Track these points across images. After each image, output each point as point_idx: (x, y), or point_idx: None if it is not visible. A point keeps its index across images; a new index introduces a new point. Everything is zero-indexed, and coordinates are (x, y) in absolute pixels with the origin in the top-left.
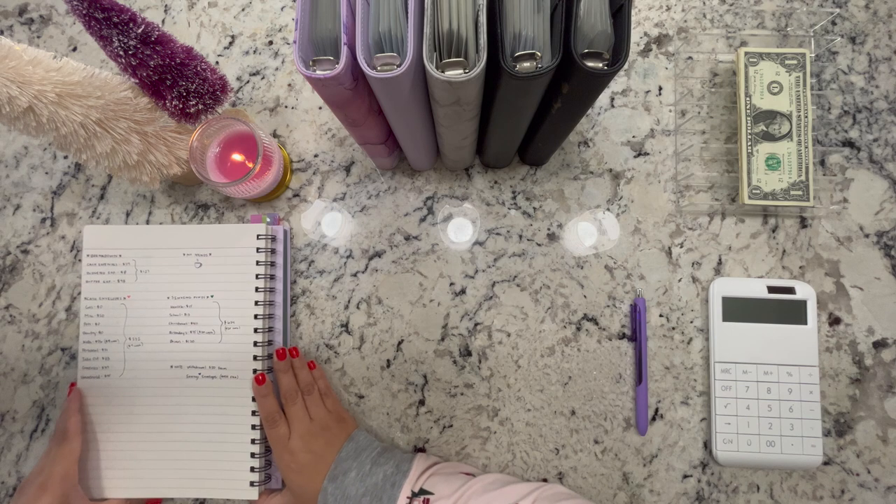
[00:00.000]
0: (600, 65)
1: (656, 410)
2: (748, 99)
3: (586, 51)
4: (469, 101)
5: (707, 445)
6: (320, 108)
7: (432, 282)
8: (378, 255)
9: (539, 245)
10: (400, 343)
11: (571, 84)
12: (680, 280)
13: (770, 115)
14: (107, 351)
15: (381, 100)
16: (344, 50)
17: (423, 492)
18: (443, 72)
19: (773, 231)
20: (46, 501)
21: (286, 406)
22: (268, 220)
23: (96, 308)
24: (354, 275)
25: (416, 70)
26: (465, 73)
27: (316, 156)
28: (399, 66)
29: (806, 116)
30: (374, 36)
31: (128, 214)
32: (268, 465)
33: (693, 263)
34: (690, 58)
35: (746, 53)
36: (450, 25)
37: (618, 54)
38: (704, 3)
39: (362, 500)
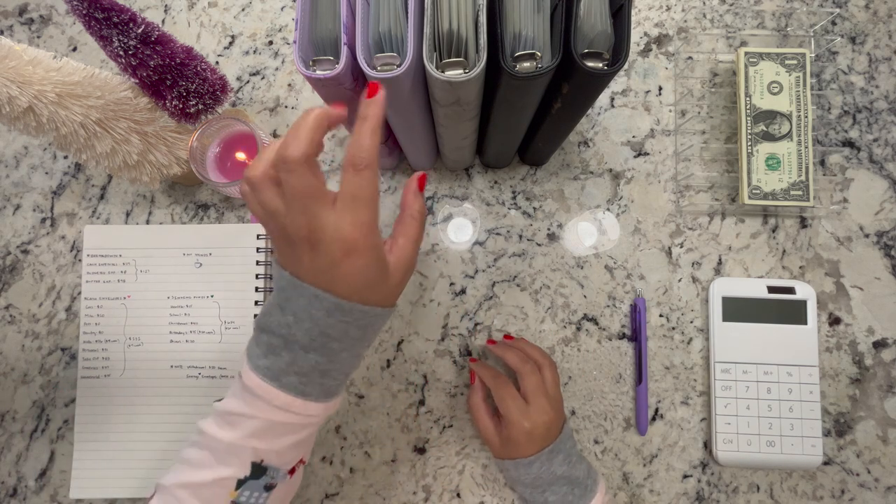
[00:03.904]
0: (600, 65)
1: (656, 410)
2: (748, 99)
3: (586, 51)
4: (469, 101)
5: (707, 445)
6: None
7: (432, 282)
8: None
9: (539, 245)
10: (400, 343)
11: (571, 84)
12: (680, 280)
13: (770, 115)
14: (107, 351)
15: None
16: (344, 50)
17: None
18: (443, 72)
19: (773, 231)
20: (359, 265)
21: (540, 368)
22: None
23: (96, 308)
24: None
25: (416, 70)
26: (465, 73)
27: None
28: (399, 66)
29: (806, 116)
30: (374, 36)
31: (128, 214)
32: None
33: (693, 263)
34: (690, 58)
35: (746, 53)
36: (450, 25)
37: (618, 54)
38: (704, 3)
39: (559, 480)
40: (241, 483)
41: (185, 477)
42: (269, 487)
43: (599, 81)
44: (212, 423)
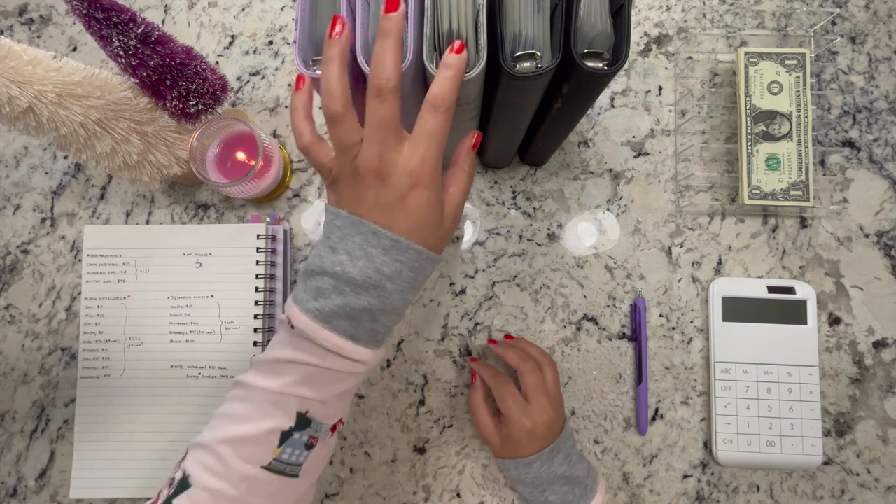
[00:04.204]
0: (600, 65)
1: (656, 410)
2: (748, 99)
3: (586, 51)
4: (469, 101)
5: (707, 445)
6: (320, 108)
7: (432, 282)
8: None
9: (539, 245)
10: (400, 343)
11: (571, 84)
12: (680, 280)
13: (770, 115)
14: (107, 351)
15: None
16: None
17: None
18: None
19: (773, 231)
20: (423, 199)
21: (540, 367)
22: (268, 220)
23: (96, 308)
24: None
25: (416, 70)
26: (466, 73)
27: None
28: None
29: (806, 116)
30: (374, 36)
31: (128, 214)
32: None
33: (693, 263)
34: (690, 58)
35: (746, 53)
36: (450, 25)
37: (618, 54)
38: (704, 3)
39: (559, 480)
40: (284, 437)
41: (226, 431)
42: (309, 446)
43: (599, 81)
44: (254, 375)
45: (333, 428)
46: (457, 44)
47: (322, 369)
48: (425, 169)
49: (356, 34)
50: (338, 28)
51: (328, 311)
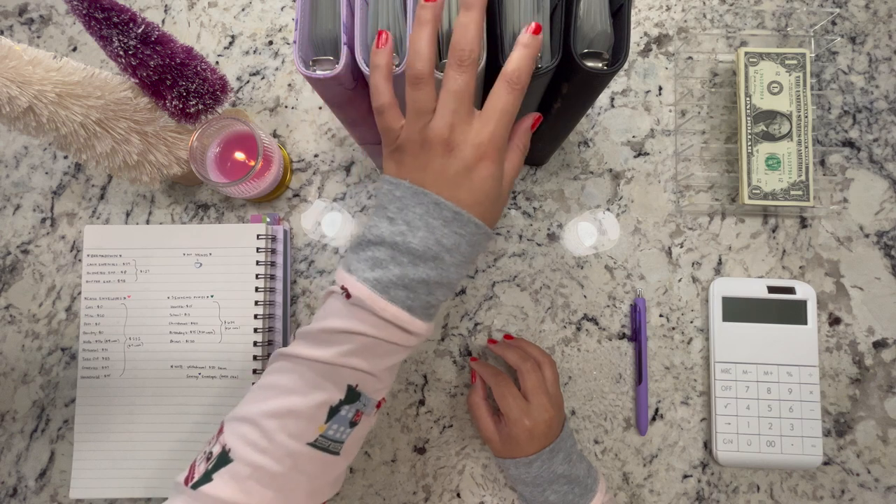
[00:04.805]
0: (600, 65)
1: (656, 410)
2: (748, 99)
3: (586, 51)
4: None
5: (707, 445)
6: (320, 108)
7: None
8: None
9: (539, 245)
10: None
11: (571, 84)
12: (680, 280)
13: (770, 115)
14: (107, 351)
15: None
16: (344, 50)
17: None
18: (442, 72)
19: (773, 231)
20: (487, 173)
21: (540, 366)
22: (268, 220)
23: (96, 308)
24: None
25: None
26: None
27: (316, 156)
28: (398, 65)
29: (806, 116)
30: (373, 35)
31: (128, 214)
32: None
33: (693, 263)
34: (690, 58)
35: (746, 53)
36: (450, 25)
37: (617, 54)
38: (704, 3)
39: (559, 479)
40: (332, 412)
41: (271, 404)
42: (353, 423)
43: (599, 81)
44: (302, 345)
45: (378, 404)
46: (533, 25)
47: (377, 340)
48: (493, 144)
49: (355, 34)
50: None
51: (386, 280)
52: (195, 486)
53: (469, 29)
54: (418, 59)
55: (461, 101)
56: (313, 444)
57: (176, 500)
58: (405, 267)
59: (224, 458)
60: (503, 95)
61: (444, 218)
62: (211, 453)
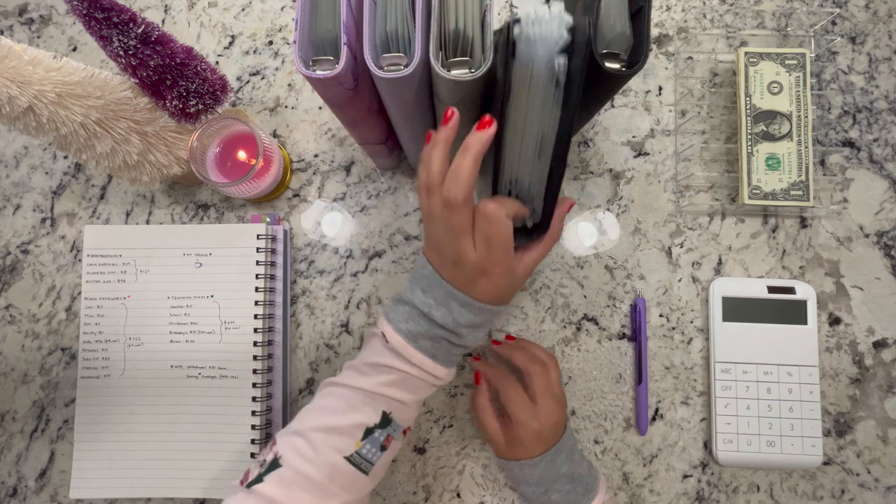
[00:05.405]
0: (618, 66)
1: (656, 410)
2: (748, 99)
3: (604, 51)
4: (473, 100)
5: (707, 445)
6: (320, 108)
7: None
8: (378, 255)
9: None
10: None
11: (588, 84)
12: (680, 280)
13: (770, 115)
14: (107, 351)
15: (385, 99)
16: (344, 50)
17: None
18: (448, 70)
19: (773, 231)
20: (492, 286)
21: (547, 368)
22: (268, 220)
23: (96, 308)
24: (354, 275)
25: (422, 69)
26: (471, 72)
27: (316, 156)
28: (406, 66)
29: (806, 116)
30: (381, 35)
31: (128, 214)
32: None
33: (693, 263)
34: (690, 58)
35: (746, 53)
36: (456, 25)
37: (636, 55)
38: (704, 3)
39: (562, 479)
40: (368, 433)
41: (319, 421)
42: (383, 447)
43: (617, 82)
44: (348, 375)
45: (404, 431)
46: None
47: (409, 376)
48: (490, 267)
49: (363, 34)
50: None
51: (415, 332)
52: (249, 486)
53: (462, 171)
54: (457, 186)
55: (459, 234)
56: (349, 459)
57: (232, 498)
58: (432, 325)
59: (275, 464)
60: (485, 228)
61: (460, 302)
62: (265, 460)
